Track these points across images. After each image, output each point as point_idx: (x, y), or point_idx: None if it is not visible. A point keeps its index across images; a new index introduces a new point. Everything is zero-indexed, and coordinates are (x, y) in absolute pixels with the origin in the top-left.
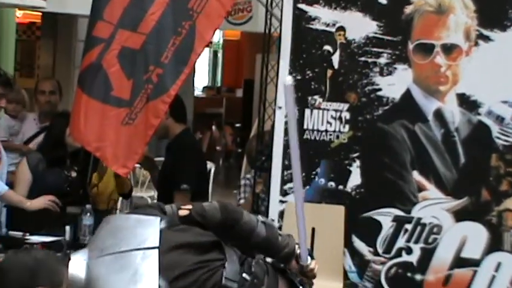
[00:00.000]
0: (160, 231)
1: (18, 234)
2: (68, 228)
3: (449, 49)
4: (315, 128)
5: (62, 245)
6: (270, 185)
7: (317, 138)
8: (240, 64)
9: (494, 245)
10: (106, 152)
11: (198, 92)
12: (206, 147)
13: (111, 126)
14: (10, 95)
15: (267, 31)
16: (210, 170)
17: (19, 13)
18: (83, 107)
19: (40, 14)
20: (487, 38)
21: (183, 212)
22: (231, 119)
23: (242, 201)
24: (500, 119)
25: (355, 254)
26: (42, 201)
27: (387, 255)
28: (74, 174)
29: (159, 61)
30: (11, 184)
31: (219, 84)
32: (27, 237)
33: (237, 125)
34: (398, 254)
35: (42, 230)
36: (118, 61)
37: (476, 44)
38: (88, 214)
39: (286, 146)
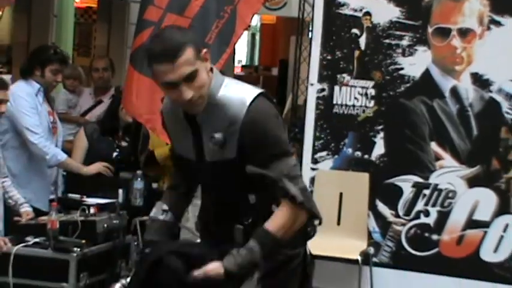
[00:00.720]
0: None
1: (76, 196)
2: (120, 191)
3: (464, 33)
4: (344, 103)
5: (115, 206)
6: (302, 154)
7: (345, 112)
8: (276, 45)
9: (503, 208)
10: (155, 123)
11: (237, 70)
12: None
13: (160, 101)
14: (67, 72)
15: (300, 16)
16: None
17: None
18: (134, 83)
19: None
20: (498, 23)
21: None
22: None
23: None
24: (509, 96)
25: (378, 216)
26: (97, 167)
27: (407, 217)
28: (124, 143)
29: (203, 42)
30: (68, 152)
31: (256, 64)
32: (84, 199)
33: (273, 100)
34: (417, 216)
35: (98, 193)
36: None
37: (489, 28)
38: (139, 179)
39: (317, 119)
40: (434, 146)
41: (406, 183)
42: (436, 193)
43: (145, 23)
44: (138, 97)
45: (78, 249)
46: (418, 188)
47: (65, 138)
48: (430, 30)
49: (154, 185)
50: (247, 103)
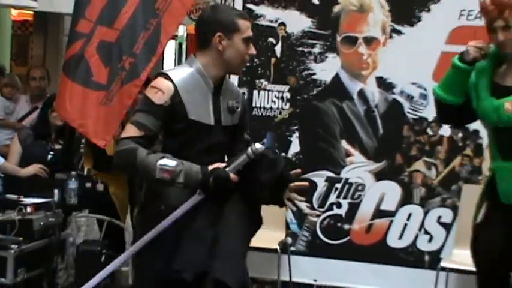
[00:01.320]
0: None
1: (14, 196)
2: (56, 191)
3: (369, 41)
4: (262, 105)
5: (51, 205)
6: None
7: (263, 114)
8: None
9: (406, 199)
10: (88, 127)
11: None
12: None
13: (91, 106)
14: (5, 80)
15: None
16: None
17: (14, 12)
18: (67, 91)
19: (32, 12)
20: (399, 32)
21: None
22: None
23: None
24: (410, 97)
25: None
26: (33, 169)
27: (321, 209)
28: (57, 146)
29: (131, 52)
30: (4, 155)
31: None
32: (21, 199)
33: None
34: (330, 208)
35: (34, 193)
36: (97, 52)
37: (391, 36)
38: (73, 179)
39: None
40: (344, 143)
41: (320, 178)
42: (346, 186)
43: (77, 35)
44: (71, 103)
45: (16, 246)
46: (331, 182)
47: (3, 142)
48: (338, 38)
49: (88, 185)
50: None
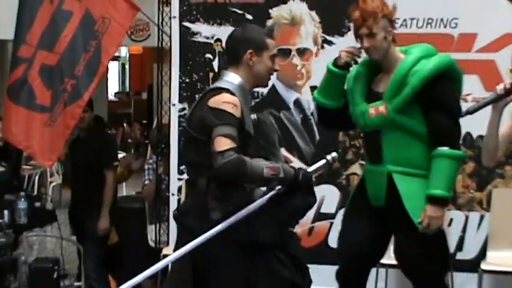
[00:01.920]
0: None
1: None
2: (6, 212)
3: (302, 52)
4: None
5: (1, 226)
6: (169, 166)
7: None
8: (144, 72)
9: (344, 201)
10: (34, 148)
11: (111, 96)
12: (120, 140)
13: (36, 128)
14: None
15: (159, 45)
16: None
17: None
18: (13, 114)
19: None
20: (330, 42)
21: None
22: (139, 117)
23: (147, 182)
24: None
25: None
26: None
27: None
28: (1, 168)
29: (72, 74)
30: None
31: (127, 90)
32: None
33: (144, 121)
34: None
35: None
36: (39, 76)
37: (322, 47)
38: (22, 199)
39: (181, 135)
40: (283, 151)
41: None
42: None
43: (19, 60)
44: (17, 126)
45: None
46: None
47: None
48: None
49: (37, 204)
50: None
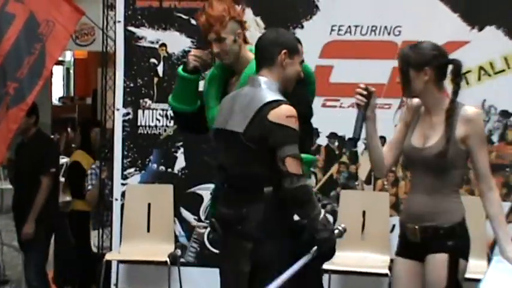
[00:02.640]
0: None
1: None
2: None
3: None
4: (147, 124)
5: None
6: (113, 171)
7: (149, 132)
8: (89, 77)
9: None
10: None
11: (55, 101)
12: (64, 145)
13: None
14: None
15: (104, 49)
16: (67, 164)
17: None
18: None
19: None
20: None
21: None
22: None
23: (90, 187)
24: None
25: (183, 222)
26: None
27: (208, 221)
28: None
29: (15, 77)
30: None
31: (72, 94)
32: None
33: None
34: None
35: None
36: None
37: None
38: None
39: (125, 140)
40: None
41: (206, 191)
42: None
43: None
44: None
45: None
46: None
47: None
48: None
49: None
50: None
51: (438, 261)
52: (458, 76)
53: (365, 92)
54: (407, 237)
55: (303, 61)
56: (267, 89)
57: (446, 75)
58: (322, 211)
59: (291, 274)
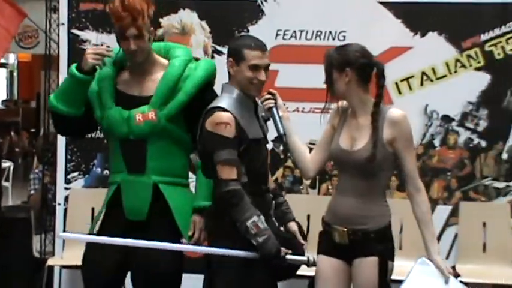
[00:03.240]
0: None
1: None
2: None
3: None
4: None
5: None
6: (56, 175)
7: (93, 136)
8: (32, 80)
9: None
10: None
11: None
12: (7, 149)
13: None
14: None
15: (47, 52)
16: (10, 168)
17: None
18: None
19: None
20: (220, 52)
21: None
22: (27, 126)
23: (33, 191)
24: None
25: None
26: None
27: None
28: None
29: None
30: None
31: (16, 98)
32: None
33: (32, 130)
34: None
35: None
36: None
37: (213, 57)
38: None
39: (68, 143)
40: None
41: None
42: None
43: None
44: None
45: None
46: None
47: None
48: None
49: None
50: None
51: (368, 265)
52: (381, 78)
53: (269, 95)
54: (334, 238)
55: (256, 66)
56: (221, 96)
57: (371, 77)
58: (255, 217)
59: (224, 253)
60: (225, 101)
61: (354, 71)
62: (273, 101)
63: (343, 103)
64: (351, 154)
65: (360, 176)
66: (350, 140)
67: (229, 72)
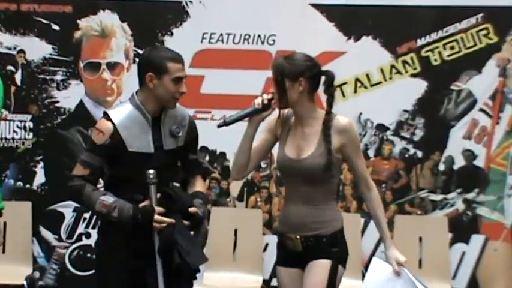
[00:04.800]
0: None
1: None
2: None
3: (113, 66)
4: (3, 136)
5: None
6: None
7: (5, 145)
8: None
9: None
10: None
11: None
12: None
13: None
14: None
15: None
16: None
17: None
18: None
19: None
20: None
21: None
22: None
23: None
24: None
25: (42, 242)
26: None
27: (70, 240)
28: None
29: None
30: None
31: None
32: None
33: None
34: (79, 238)
35: None
36: None
37: (134, 61)
38: None
39: None
40: None
41: (68, 208)
42: (94, 217)
43: None
44: None
45: None
46: (79, 212)
47: None
48: (81, 65)
49: None
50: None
51: (319, 267)
52: (331, 87)
53: (268, 101)
54: (288, 247)
55: (179, 78)
56: (122, 103)
57: (319, 85)
58: (100, 198)
59: None
60: (118, 109)
61: (307, 80)
62: (266, 103)
63: (285, 112)
64: (299, 162)
65: (309, 184)
66: (296, 149)
67: (143, 84)
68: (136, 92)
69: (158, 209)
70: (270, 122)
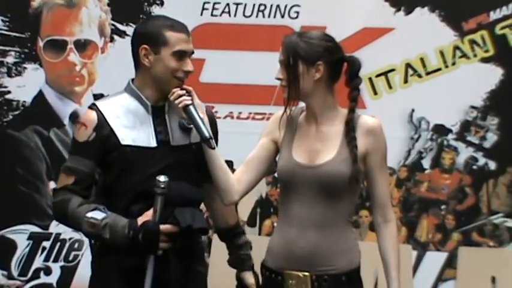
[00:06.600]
0: None
1: None
2: None
3: (83, 45)
4: None
5: None
6: None
7: None
8: None
9: None
10: None
11: None
12: None
13: None
14: None
15: None
16: None
17: None
18: None
19: None
20: (123, 33)
21: None
22: None
23: None
24: None
25: None
26: None
27: (23, 278)
28: None
29: None
30: None
31: None
32: None
33: None
34: (36, 275)
35: None
36: None
37: (112, 39)
38: None
39: None
40: (53, 185)
41: (21, 234)
42: (58, 245)
43: None
44: None
45: None
46: (36, 240)
47: None
48: (41, 43)
49: None
50: None
51: None
52: (358, 78)
53: (184, 92)
54: None
55: (181, 52)
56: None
57: (340, 75)
58: (88, 214)
59: None
60: (108, 98)
61: (327, 65)
62: (189, 98)
63: (293, 109)
64: (313, 170)
65: (325, 199)
66: (308, 153)
67: (139, 65)
68: (132, 80)
69: (165, 227)
70: (270, 122)
